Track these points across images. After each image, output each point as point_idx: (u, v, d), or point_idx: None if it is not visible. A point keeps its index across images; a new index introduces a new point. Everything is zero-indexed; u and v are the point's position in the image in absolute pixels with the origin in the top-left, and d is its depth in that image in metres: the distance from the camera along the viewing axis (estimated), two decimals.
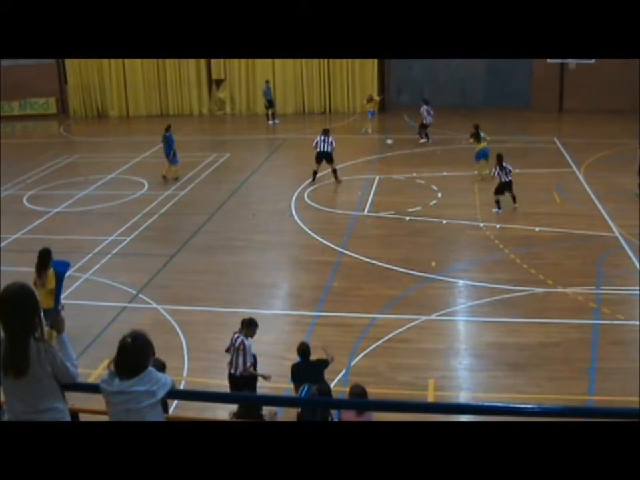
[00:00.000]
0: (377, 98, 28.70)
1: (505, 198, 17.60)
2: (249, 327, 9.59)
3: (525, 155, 22.98)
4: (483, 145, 20.64)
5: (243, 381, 9.40)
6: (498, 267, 14.32)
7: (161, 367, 8.90)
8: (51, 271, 11.07)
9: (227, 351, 9.65)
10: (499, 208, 17.52)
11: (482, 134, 21.03)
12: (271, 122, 30.19)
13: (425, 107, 24.94)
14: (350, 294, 13.34)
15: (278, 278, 14.63)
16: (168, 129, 21.63)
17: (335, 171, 20.56)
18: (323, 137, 20.63)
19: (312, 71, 31.92)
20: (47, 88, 33.68)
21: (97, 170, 23.24)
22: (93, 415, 4.63)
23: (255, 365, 9.63)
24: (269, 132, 29.39)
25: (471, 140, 21.13)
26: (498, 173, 17.67)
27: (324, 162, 20.46)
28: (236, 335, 9.52)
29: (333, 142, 20.58)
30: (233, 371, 9.47)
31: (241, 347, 9.38)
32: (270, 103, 30.28)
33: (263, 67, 31.97)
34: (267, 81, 30.67)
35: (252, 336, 9.61)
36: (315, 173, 20.65)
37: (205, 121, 32.76)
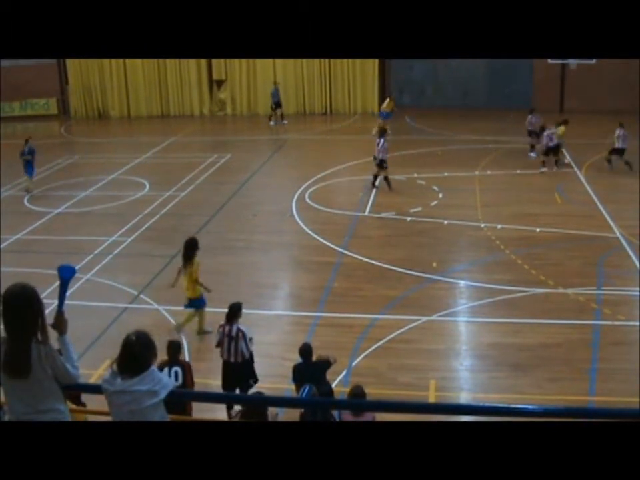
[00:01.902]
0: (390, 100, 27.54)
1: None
2: (237, 312, 9.80)
3: (526, 155, 22.99)
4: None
5: (242, 366, 9.61)
6: (499, 268, 14.32)
7: (177, 346, 8.98)
8: (196, 261, 11.89)
9: (218, 345, 9.80)
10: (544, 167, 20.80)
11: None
12: (272, 123, 30.11)
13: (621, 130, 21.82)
14: (351, 294, 13.34)
15: (279, 278, 14.63)
16: (27, 141, 21.23)
17: (386, 178, 19.72)
18: (379, 140, 19.73)
19: (313, 71, 31.93)
20: (48, 88, 33.72)
21: (98, 170, 23.26)
22: (96, 415, 4.63)
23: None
24: (271, 133, 29.41)
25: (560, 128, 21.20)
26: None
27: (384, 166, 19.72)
28: (228, 327, 9.65)
29: (385, 145, 19.63)
30: (233, 360, 9.61)
31: (240, 335, 9.58)
32: (277, 105, 30.06)
33: (264, 67, 31.99)
34: (276, 82, 30.57)
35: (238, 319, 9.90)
36: (385, 178, 19.90)
37: (206, 121, 32.78)
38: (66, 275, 4.18)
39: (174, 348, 8.88)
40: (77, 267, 14.73)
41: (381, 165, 19.69)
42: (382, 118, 26.78)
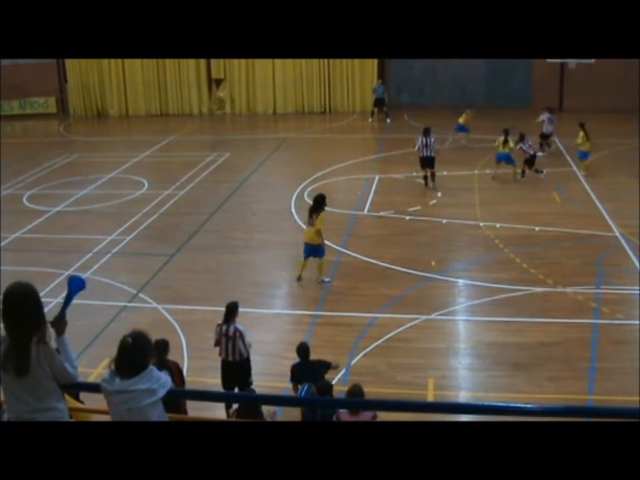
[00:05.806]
0: (468, 112, 24.58)
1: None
2: (234, 311, 9.82)
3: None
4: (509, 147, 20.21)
5: (239, 366, 9.65)
6: (498, 267, 14.32)
7: (164, 346, 8.93)
8: (322, 214, 13.44)
9: (217, 344, 9.81)
10: (542, 172, 20.21)
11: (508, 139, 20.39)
12: (370, 120, 29.22)
13: (547, 115, 22.65)
14: (350, 293, 13.34)
15: (278, 277, 14.62)
16: None
17: (433, 175, 19.56)
18: (424, 140, 19.37)
19: (312, 70, 31.90)
20: (47, 87, 33.67)
21: (97, 169, 23.25)
22: (96, 414, 4.64)
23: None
24: (269, 131, 29.39)
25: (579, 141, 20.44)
26: (521, 147, 20.07)
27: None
28: (225, 327, 9.67)
29: (436, 144, 19.52)
30: (231, 359, 9.65)
31: (238, 334, 9.61)
32: (381, 102, 28.99)
33: (263, 66, 31.96)
34: (380, 79, 30.17)
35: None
36: (426, 178, 19.61)
37: (205, 120, 32.75)
38: (75, 288, 4.22)
39: (161, 348, 8.81)
40: (75, 266, 14.75)
41: (432, 162, 19.45)
42: (462, 132, 24.44)
